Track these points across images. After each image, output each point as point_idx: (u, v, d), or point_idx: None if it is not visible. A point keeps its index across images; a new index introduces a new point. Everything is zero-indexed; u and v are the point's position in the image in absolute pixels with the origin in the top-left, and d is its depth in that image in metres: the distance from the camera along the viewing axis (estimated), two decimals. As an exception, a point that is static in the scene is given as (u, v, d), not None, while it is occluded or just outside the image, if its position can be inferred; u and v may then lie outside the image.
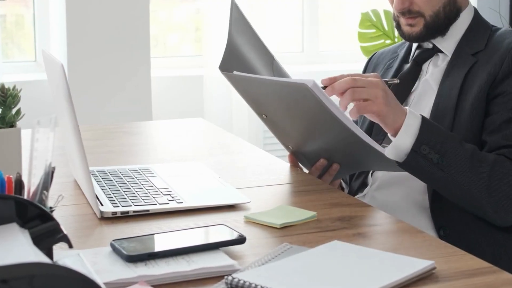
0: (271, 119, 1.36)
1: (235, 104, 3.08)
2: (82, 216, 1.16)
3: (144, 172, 1.37)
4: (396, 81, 1.41)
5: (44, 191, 0.83)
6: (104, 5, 2.79)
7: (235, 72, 1.30)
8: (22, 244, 0.73)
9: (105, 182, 1.31)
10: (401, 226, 1.11)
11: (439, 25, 1.44)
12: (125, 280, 0.87)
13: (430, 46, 1.49)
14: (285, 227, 1.09)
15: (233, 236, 1.00)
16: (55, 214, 0.82)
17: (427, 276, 0.90)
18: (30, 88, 2.71)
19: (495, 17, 3.37)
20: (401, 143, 1.27)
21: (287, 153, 1.48)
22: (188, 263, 0.92)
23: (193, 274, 0.90)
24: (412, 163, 1.27)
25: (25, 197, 0.85)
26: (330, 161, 1.36)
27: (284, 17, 3.34)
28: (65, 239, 0.79)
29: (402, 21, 1.46)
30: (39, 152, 0.81)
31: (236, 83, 1.33)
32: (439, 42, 1.47)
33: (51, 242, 0.79)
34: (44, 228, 0.78)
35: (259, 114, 1.37)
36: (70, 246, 0.80)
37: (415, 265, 0.91)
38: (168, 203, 1.18)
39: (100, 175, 1.35)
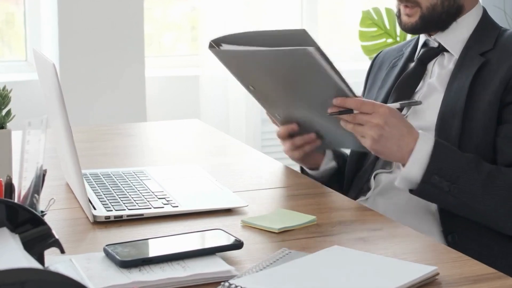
0: (260, 89, 1.37)
1: (232, 105, 3.08)
2: (75, 220, 1.15)
3: (138, 175, 1.36)
4: (419, 103, 1.39)
5: (35, 195, 0.82)
6: (97, 2, 2.78)
7: (224, 47, 1.31)
8: (13, 249, 0.73)
9: (98, 185, 1.29)
10: (403, 231, 1.10)
11: (435, 18, 1.42)
12: (118, 286, 0.87)
13: (436, 44, 1.47)
14: (283, 232, 1.09)
15: (230, 241, 0.99)
16: (46, 218, 0.81)
17: (430, 282, 0.89)
18: (21, 89, 2.69)
19: (500, 15, 3.38)
20: (410, 175, 1.27)
21: (285, 156, 1.46)
22: (183, 268, 0.92)
23: (188, 280, 0.90)
24: (423, 192, 1.27)
25: (16, 200, 0.84)
26: (315, 131, 1.38)
27: (283, 14, 3.32)
28: (57, 244, 0.79)
29: (402, 10, 1.46)
30: (30, 154, 0.81)
31: (225, 59, 1.34)
32: (445, 41, 1.45)
33: (42, 247, 0.79)
34: (35, 233, 0.78)
35: (246, 86, 1.38)
36: (62, 251, 0.79)
37: (417, 270, 0.90)
38: (163, 207, 1.17)
39: (93, 178, 1.34)
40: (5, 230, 0.76)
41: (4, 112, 1.29)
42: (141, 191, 1.26)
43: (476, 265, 0.96)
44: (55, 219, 1.13)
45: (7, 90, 1.29)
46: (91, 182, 1.31)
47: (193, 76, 3.08)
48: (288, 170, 1.46)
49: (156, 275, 0.89)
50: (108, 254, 0.94)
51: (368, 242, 1.05)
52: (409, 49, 1.54)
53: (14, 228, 0.77)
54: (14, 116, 1.30)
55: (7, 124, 1.29)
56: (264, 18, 3.28)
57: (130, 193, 1.24)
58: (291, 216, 1.14)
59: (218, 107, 3.06)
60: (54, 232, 0.78)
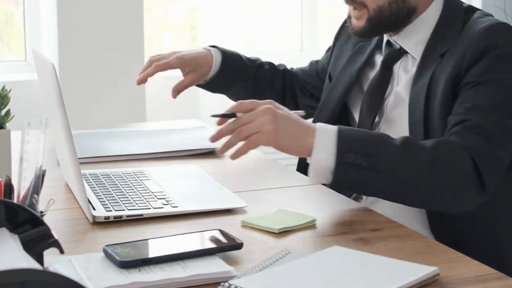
0: None
1: (232, 104, 3.07)
2: (74, 221, 1.14)
3: (137, 175, 1.36)
4: (302, 113, 1.28)
5: (35, 195, 0.82)
6: (97, 2, 2.77)
7: None
8: (12, 249, 0.73)
9: (98, 185, 1.29)
10: (403, 231, 1.10)
11: (384, 21, 1.35)
12: (118, 287, 0.86)
13: (398, 46, 1.40)
14: (283, 232, 1.08)
15: (230, 241, 0.99)
16: (46, 219, 0.81)
17: (430, 282, 0.89)
18: (20, 89, 2.68)
19: (500, 15, 3.37)
20: (321, 163, 1.17)
21: (286, 155, 1.45)
22: (183, 269, 0.91)
23: (188, 280, 0.89)
24: (342, 177, 1.16)
25: (15, 201, 0.84)
26: None
27: (283, 15, 3.32)
28: (56, 244, 0.79)
29: (351, 12, 1.40)
30: (30, 154, 0.80)
31: None
32: (404, 43, 1.38)
33: (41, 248, 0.79)
34: (34, 233, 0.78)
35: None
36: (62, 251, 0.79)
37: (418, 271, 0.90)
38: (162, 207, 1.17)
39: (93, 178, 1.34)
40: (4, 231, 0.76)
41: (3, 112, 1.28)
42: (140, 192, 1.25)
43: (476, 266, 0.96)
44: (55, 219, 1.12)
45: (6, 90, 1.29)
46: (91, 182, 1.31)
47: (193, 76, 3.07)
48: (288, 171, 1.46)
49: (155, 276, 0.89)
50: (107, 255, 0.94)
51: (368, 242, 1.05)
52: (376, 38, 1.47)
53: (13, 229, 0.77)
54: (13, 116, 1.30)
55: (7, 124, 1.29)
56: (264, 18, 3.28)
57: (129, 194, 1.24)
58: (291, 216, 1.13)
59: (217, 107, 3.05)
60: (53, 232, 0.78)
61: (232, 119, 1.21)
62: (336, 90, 1.49)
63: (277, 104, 1.22)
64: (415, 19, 1.37)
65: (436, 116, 1.29)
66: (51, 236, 0.78)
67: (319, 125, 1.20)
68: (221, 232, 1.02)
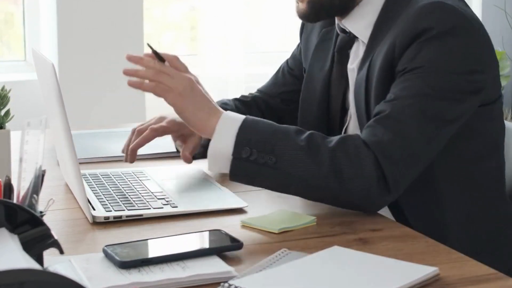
0: None
1: (231, 105, 3.07)
2: (74, 221, 1.14)
3: (137, 175, 1.36)
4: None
5: (34, 195, 0.82)
6: (96, 2, 2.77)
7: None
8: (12, 249, 0.73)
9: (97, 185, 1.29)
10: (403, 231, 1.10)
11: (327, 4, 1.28)
12: (118, 287, 0.86)
13: (348, 31, 1.32)
14: (283, 232, 1.08)
15: (230, 241, 0.99)
16: (45, 219, 0.81)
17: (430, 283, 0.89)
18: (20, 89, 2.68)
19: (501, 15, 3.37)
20: (219, 150, 1.14)
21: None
22: (183, 269, 0.91)
23: (188, 281, 0.89)
24: (238, 172, 1.14)
25: (15, 201, 0.84)
26: None
27: (283, 15, 3.32)
28: (56, 244, 0.79)
29: None
30: (29, 154, 0.80)
31: None
32: (351, 26, 1.30)
33: (41, 248, 0.79)
34: (34, 233, 0.78)
35: None
36: (61, 251, 0.79)
37: (418, 271, 0.90)
38: (162, 208, 1.17)
39: (92, 178, 1.34)
40: (4, 231, 0.76)
41: (3, 112, 1.28)
42: (140, 192, 1.25)
43: (476, 266, 0.96)
44: (54, 219, 1.12)
45: (6, 90, 1.28)
46: (90, 182, 1.31)
47: (193, 76, 3.07)
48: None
49: (155, 276, 0.89)
50: (107, 255, 0.94)
51: (368, 242, 1.04)
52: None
53: (13, 229, 0.76)
54: (13, 116, 1.30)
55: (6, 124, 1.28)
56: (264, 18, 3.28)
57: (129, 194, 1.24)
58: (291, 216, 1.13)
59: (217, 107, 3.06)
60: (53, 232, 0.78)
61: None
62: (315, 83, 1.40)
63: (199, 82, 1.23)
64: (360, 1, 1.29)
65: (372, 108, 1.22)
66: (50, 236, 0.78)
67: (228, 112, 1.18)
68: (221, 232, 1.02)
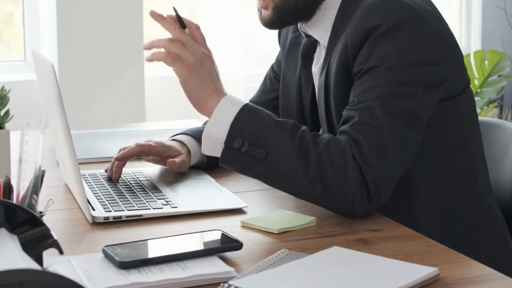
0: None
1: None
2: (73, 221, 1.14)
3: (137, 176, 1.36)
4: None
5: (34, 195, 0.82)
6: (96, 2, 2.77)
7: None
8: (11, 250, 0.73)
9: (97, 186, 1.29)
10: (403, 232, 1.10)
11: (292, 9, 1.26)
12: (117, 287, 0.86)
13: (309, 35, 1.32)
14: (283, 233, 1.08)
15: (230, 242, 0.99)
16: (45, 219, 0.80)
17: (430, 283, 0.89)
18: (20, 89, 2.68)
19: (500, 15, 3.36)
20: (212, 134, 1.14)
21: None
22: (183, 269, 0.91)
23: (188, 281, 0.89)
24: (228, 160, 1.14)
25: (14, 201, 0.84)
26: None
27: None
28: (56, 245, 0.78)
29: (258, 3, 1.31)
30: (29, 154, 0.80)
31: None
32: (312, 31, 1.30)
33: (41, 248, 0.78)
34: (33, 234, 0.78)
35: None
36: (61, 252, 0.79)
37: (418, 272, 0.90)
38: (162, 208, 1.17)
39: (92, 178, 1.33)
40: (3, 231, 0.76)
41: (2, 112, 1.28)
42: (140, 192, 1.25)
43: (476, 266, 0.96)
44: (54, 220, 1.12)
45: (5, 90, 1.28)
46: (90, 182, 1.30)
47: (192, 76, 3.07)
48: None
49: (155, 276, 0.89)
50: (107, 255, 0.94)
51: (368, 243, 1.04)
52: None
53: (12, 229, 0.76)
54: (12, 116, 1.30)
55: (6, 124, 1.28)
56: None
57: (129, 194, 1.23)
58: (290, 217, 1.13)
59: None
60: (52, 233, 0.78)
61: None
62: (289, 90, 1.40)
63: (213, 59, 1.23)
64: (321, 4, 1.27)
65: (333, 112, 1.22)
66: (50, 236, 0.78)
67: (229, 96, 1.17)
68: (221, 232, 1.02)
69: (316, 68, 1.32)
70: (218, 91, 1.17)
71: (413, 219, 1.23)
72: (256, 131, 1.13)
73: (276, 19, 1.28)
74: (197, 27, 1.25)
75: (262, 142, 1.12)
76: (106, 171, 1.34)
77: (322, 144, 1.13)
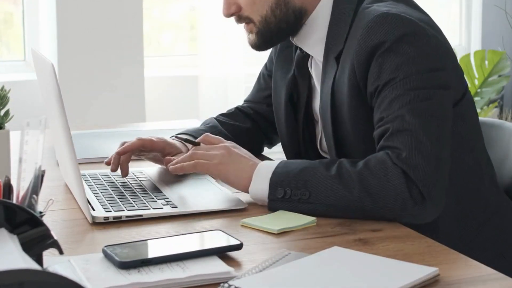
0: None
1: (231, 105, 3.06)
2: (73, 221, 1.14)
3: (137, 176, 1.36)
4: (197, 143, 1.31)
5: (34, 195, 0.82)
6: (96, 2, 2.77)
7: None
8: (11, 250, 0.73)
9: (97, 186, 1.29)
10: (403, 232, 1.10)
11: (274, 30, 1.30)
12: (117, 288, 0.86)
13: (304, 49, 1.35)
14: (283, 233, 1.08)
15: (230, 242, 0.99)
16: (45, 219, 0.81)
17: (430, 283, 0.89)
18: (19, 89, 2.68)
19: (501, 15, 3.36)
20: (256, 195, 1.20)
21: (285, 155, 1.45)
22: (183, 270, 0.91)
23: (188, 281, 0.89)
24: (276, 210, 1.18)
25: (14, 201, 0.84)
26: None
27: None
28: (56, 245, 0.78)
29: (244, 28, 1.36)
30: (29, 154, 0.80)
31: None
32: (303, 45, 1.34)
33: (41, 248, 0.79)
34: (33, 234, 0.78)
35: None
36: (61, 252, 0.79)
37: (418, 272, 0.90)
38: (162, 208, 1.17)
39: (92, 178, 1.33)
40: (3, 231, 0.76)
41: (2, 112, 1.28)
42: (140, 192, 1.25)
43: (476, 266, 0.96)
44: (54, 220, 1.12)
45: (5, 90, 1.28)
46: (90, 183, 1.30)
47: (192, 76, 3.07)
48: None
49: (155, 276, 0.89)
50: (107, 255, 0.94)
51: (368, 243, 1.04)
52: None
53: (12, 229, 0.76)
54: (12, 116, 1.30)
55: (6, 124, 1.28)
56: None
57: (129, 194, 1.23)
58: (290, 217, 1.13)
59: (217, 107, 3.06)
60: (52, 233, 0.78)
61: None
62: (279, 91, 1.42)
63: (237, 145, 1.26)
64: (306, 19, 1.31)
65: (351, 131, 1.26)
66: (50, 236, 0.78)
67: (263, 162, 1.23)
68: (221, 232, 1.02)
69: (314, 79, 1.35)
70: (251, 163, 1.22)
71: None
72: (293, 176, 1.17)
73: (262, 43, 1.34)
74: (206, 135, 1.31)
75: (302, 184, 1.16)
76: (106, 163, 1.34)
77: (361, 163, 1.16)
